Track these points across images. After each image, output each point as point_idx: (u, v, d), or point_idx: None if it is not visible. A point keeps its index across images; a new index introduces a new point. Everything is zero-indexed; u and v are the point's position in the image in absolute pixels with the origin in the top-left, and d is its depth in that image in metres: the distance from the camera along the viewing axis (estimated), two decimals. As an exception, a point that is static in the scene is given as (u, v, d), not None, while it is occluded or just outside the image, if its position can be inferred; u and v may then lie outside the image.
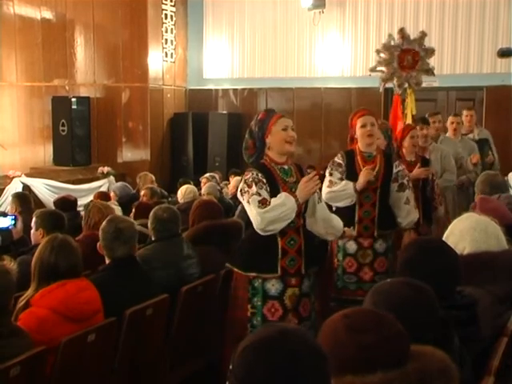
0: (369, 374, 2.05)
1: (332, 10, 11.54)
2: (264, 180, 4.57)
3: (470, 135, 8.93)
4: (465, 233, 3.74)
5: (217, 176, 9.10)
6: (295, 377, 1.73)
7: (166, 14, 12.32)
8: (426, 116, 8.22)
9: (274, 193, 4.54)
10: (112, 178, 11.38)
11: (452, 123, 8.57)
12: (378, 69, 8.79)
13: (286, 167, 4.68)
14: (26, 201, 7.86)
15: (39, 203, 9.73)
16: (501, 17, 10.88)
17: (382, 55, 8.61)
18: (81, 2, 12.20)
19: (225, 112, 12.38)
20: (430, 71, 8.54)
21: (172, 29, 12.46)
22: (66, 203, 7.43)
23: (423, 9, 11.25)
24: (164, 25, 12.34)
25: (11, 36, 12.76)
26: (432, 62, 11.05)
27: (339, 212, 5.34)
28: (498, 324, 3.36)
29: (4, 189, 10.54)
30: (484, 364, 2.90)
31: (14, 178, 10.90)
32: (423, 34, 8.46)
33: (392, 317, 2.21)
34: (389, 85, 8.29)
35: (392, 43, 8.54)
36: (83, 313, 3.86)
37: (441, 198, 6.76)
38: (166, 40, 12.39)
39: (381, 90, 8.87)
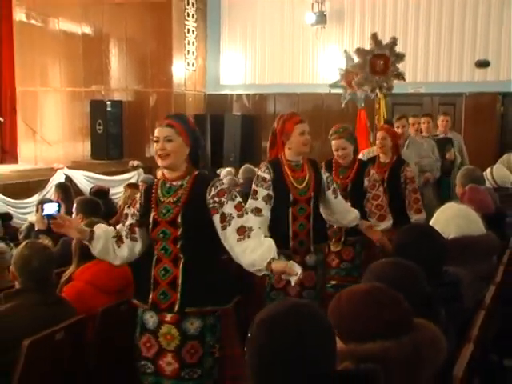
0: (369, 342, 2.05)
1: (332, 25, 11.52)
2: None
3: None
4: (450, 220, 3.78)
5: (232, 170, 9.08)
6: (306, 345, 1.74)
7: (188, 29, 12.29)
8: (393, 121, 7.60)
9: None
10: (141, 170, 11.39)
11: (413, 124, 7.94)
12: (339, 84, 8.80)
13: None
14: (66, 190, 7.88)
15: (79, 192, 9.74)
16: (478, 30, 10.79)
17: (356, 60, 8.36)
18: (115, 19, 12.18)
19: (238, 114, 12.33)
20: (400, 76, 8.18)
21: (193, 42, 12.43)
22: (101, 192, 7.47)
23: (411, 24, 11.19)
24: (186, 38, 12.30)
25: (56, 48, 12.75)
26: (418, 71, 11.13)
27: (270, 227, 4.41)
28: (478, 298, 3.36)
29: (49, 179, 10.58)
30: (465, 333, 2.91)
31: (57, 169, 10.95)
32: (394, 40, 8.11)
33: (394, 293, 2.21)
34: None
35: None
36: (115, 286, 3.98)
37: (418, 206, 5.93)
38: (188, 51, 12.36)
39: (343, 105, 8.79)
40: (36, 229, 6.38)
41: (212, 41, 12.68)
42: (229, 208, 3.29)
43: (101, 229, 3.51)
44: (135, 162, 11.72)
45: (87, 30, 12.55)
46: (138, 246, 3.50)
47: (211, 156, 11.55)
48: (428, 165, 7.34)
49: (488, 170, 6.17)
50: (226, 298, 3.37)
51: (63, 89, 12.81)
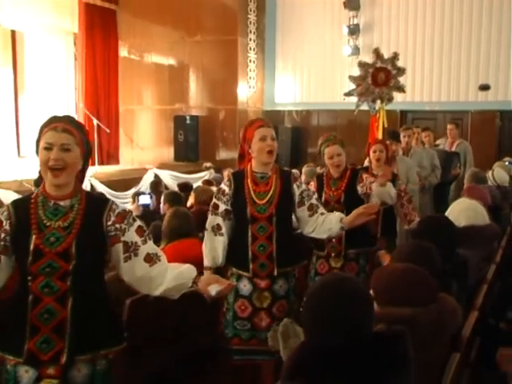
0: (403, 307, 2.06)
1: (364, 56, 11.28)
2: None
3: (441, 146, 8.01)
4: (461, 212, 3.76)
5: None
6: (348, 309, 1.75)
7: (250, 59, 12.29)
8: (400, 130, 6.97)
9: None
10: (212, 170, 11.45)
11: (428, 136, 7.55)
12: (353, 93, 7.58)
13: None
14: (157, 185, 7.99)
15: (165, 187, 9.87)
16: (481, 56, 10.57)
17: (358, 72, 7.42)
18: (194, 53, 12.24)
19: (289, 126, 12.26)
20: (401, 88, 7.21)
21: (254, 69, 12.42)
22: (186, 186, 7.55)
23: (428, 53, 11.02)
24: (248, 67, 12.29)
25: (149, 76, 12.89)
26: (433, 92, 10.96)
27: (229, 247, 3.44)
28: (482, 275, 3.34)
29: (142, 177, 10.74)
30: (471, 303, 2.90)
31: (148, 169, 11.09)
32: (395, 55, 7.18)
33: (424, 272, 2.20)
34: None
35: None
36: (193, 260, 3.90)
37: (416, 213, 4.93)
38: (250, 77, 12.35)
39: (355, 112, 7.62)
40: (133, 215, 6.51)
41: (268, 68, 12.64)
42: (131, 235, 2.32)
43: None
44: (208, 164, 11.79)
45: (172, 61, 12.65)
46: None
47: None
48: (423, 176, 6.66)
49: (490, 172, 6.11)
50: (118, 337, 2.37)
51: (154, 107, 12.94)
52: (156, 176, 10.61)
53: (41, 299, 2.18)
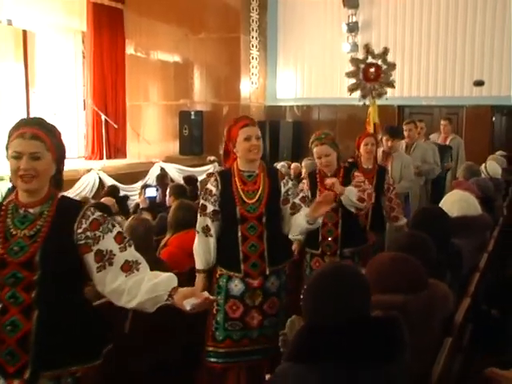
0: (395, 294, 2.07)
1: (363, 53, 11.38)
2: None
3: (435, 139, 7.61)
4: (454, 203, 3.75)
5: (285, 163, 9.08)
6: (347, 295, 1.76)
7: (252, 57, 12.28)
8: (403, 124, 6.71)
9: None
10: (216, 163, 11.47)
11: (422, 128, 7.08)
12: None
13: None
14: (163, 178, 7.98)
15: (171, 180, 9.88)
16: (476, 54, 10.56)
17: (350, 67, 7.38)
18: (198, 50, 12.23)
19: (290, 121, 12.27)
20: (391, 84, 7.17)
21: (256, 66, 12.41)
22: (191, 179, 7.55)
23: (425, 51, 10.99)
24: (251, 63, 12.29)
25: (155, 72, 12.88)
26: (430, 87, 10.93)
27: (219, 248, 3.28)
28: (474, 263, 3.35)
29: (149, 170, 10.76)
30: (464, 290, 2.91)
31: (155, 163, 11.11)
32: (386, 50, 7.20)
33: (414, 260, 2.22)
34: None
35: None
36: None
37: (401, 209, 4.84)
38: (252, 73, 12.35)
39: (363, 104, 7.43)
40: (140, 207, 6.53)
41: (270, 65, 12.63)
42: (107, 243, 2.08)
43: None
44: (212, 157, 11.79)
45: (177, 58, 12.64)
46: None
47: (270, 153, 11.59)
48: (426, 170, 6.44)
49: (483, 165, 6.12)
50: (91, 353, 2.12)
51: (159, 102, 12.94)
52: (162, 169, 10.63)
53: (7, 310, 2.03)
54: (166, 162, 11.20)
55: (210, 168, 11.28)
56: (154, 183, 8.43)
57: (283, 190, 3.25)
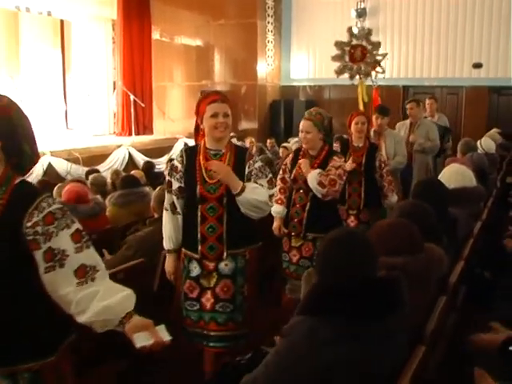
0: (395, 257, 2.11)
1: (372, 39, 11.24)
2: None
3: (430, 118, 7.01)
4: (451, 175, 3.75)
5: (299, 139, 9.05)
6: (355, 255, 1.80)
7: (268, 40, 12.16)
8: (406, 103, 6.24)
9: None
10: (235, 139, 11.45)
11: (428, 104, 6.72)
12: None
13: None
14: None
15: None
16: (475, 37, 10.39)
17: (336, 52, 6.92)
18: (218, 35, 12.15)
19: (303, 100, 12.17)
20: (378, 62, 6.74)
21: (272, 49, 12.30)
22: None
23: (427, 33, 10.81)
24: (266, 47, 12.18)
25: (178, 56, 12.84)
26: (432, 68, 10.80)
27: (182, 227, 2.93)
28: (469, 230, 3.38)
29: (173, 145, 10.84)
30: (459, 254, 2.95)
31: (179, 138, 11.20)
32: (369, 31, 6.93)
33: (410, 225, 2.25)
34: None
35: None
36: None
37: (393, 186, 4.44)
38: (268, 56, 12.24)
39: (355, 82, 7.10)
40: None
41: (285, 48, 12.50)
42: (61, 241, 1.65)
43: None
44: (231, 133, 11.78)
45: (199, 43, 12.58)
46: None
47: (284, 130, 11.56)
48: (430, 148, 5.99)
49: (479, 141, 6.10)
50: (46, 349, 1.73)
51: (183, 83, 12.91)
52: (185, 144, 10.61)
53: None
54: (189, 137, 11.20)
55: (230, 143, 11.30)
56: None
57: (247, 170, 2.81)
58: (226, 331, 2.89)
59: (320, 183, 3.48)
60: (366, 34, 7.03)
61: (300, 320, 1.77)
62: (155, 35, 13.14)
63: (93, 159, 9.42)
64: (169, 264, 3.02)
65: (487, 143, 6.06)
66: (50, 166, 8.55)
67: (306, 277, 2.44)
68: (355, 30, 10.85)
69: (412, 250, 2.18)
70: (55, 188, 4.91)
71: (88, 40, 12.84)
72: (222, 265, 2.84)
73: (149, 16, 13.09)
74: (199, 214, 2.80)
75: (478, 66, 10.30)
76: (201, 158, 2.82)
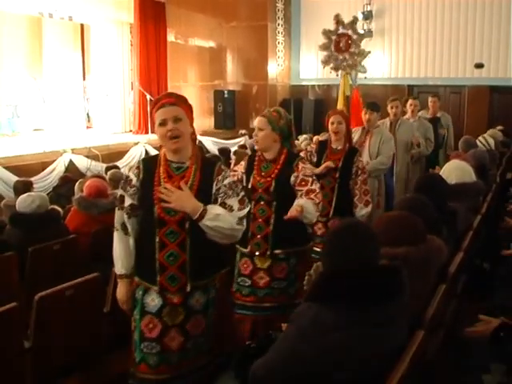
0: (397, 247, 2.13)
1: (376, 38, 11.21)
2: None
3: (431, 116, 6.65)
4: (452, 171, 3.76)
5: (308, 136, 9.09)
6: (359, 244, 1.82)
7: (278, 42, 12.18)
8: (388, 102, 5.58)
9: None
10: (246, 137, 11.51)
11: (410, 105, 6.09)
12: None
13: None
14: (199, 149, 8.01)
15: (207, 151, 9.99)
16: (476, 38, 10.35)
17: (323, 40, 6.45)
18: (230, 37, 12.18)
19: (312, 98, 12.18)
20: (363, 54, 6.29)
21: (282, 50, 12.31)
22: (225, 150, 7.59)
23: (430, 34, 10.77)
24: (277, 48, 12.19)
25: (192, 57, 12.88)
26: (436, 68, 10.76)
27: (136, 254, 2.35)
28: (469, 223, 3.38)
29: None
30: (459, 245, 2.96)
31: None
32: (355, 19, 6.52)
33: (414, 217, 2.27)
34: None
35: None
36: None
37: (368, 197, 3.87)
38: (278, 56, 12.26)
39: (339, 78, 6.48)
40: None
41: (294, 49, 12.50)
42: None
43: None
44: (243, 131, 11.81)
45: (212, 44, 12.61)
46: None
47: (294, 126, 11.53)
48: (421, 151, 5.62)
49: (479, 138, 6.08)
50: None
51: (197, 83, 12.95)
52: (199, 142, 10.68)
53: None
54: (203, 135, 11.24)
55: (242, 140, 11.33)
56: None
57: (214, 188, 2.24)
58: (195, 367, 2.35)
59: (316, 210, 2.89)
60: (352, 22, 6.66)
61: (306, 306, 1.79)
62: (170, 37, 13.19)
63: (111, 156, 9.47)
64: (121, 292, 2.40)
65: (489, 140, 6.07)
66: (71, 162, 8.62)
67: (315, 268, 2.42)
68: (362, 32, 10.92)
69: (415, 240, 2.18)
70: (77, 183, 4.95)
71: (107, 43, 12.94)
72: (192, 301, 2.28)
73: (164, 19, 13.14)
74: (157, 239, 2.23)
75: (479, 66, 10.28)
76: (161, 171, 2.25)
